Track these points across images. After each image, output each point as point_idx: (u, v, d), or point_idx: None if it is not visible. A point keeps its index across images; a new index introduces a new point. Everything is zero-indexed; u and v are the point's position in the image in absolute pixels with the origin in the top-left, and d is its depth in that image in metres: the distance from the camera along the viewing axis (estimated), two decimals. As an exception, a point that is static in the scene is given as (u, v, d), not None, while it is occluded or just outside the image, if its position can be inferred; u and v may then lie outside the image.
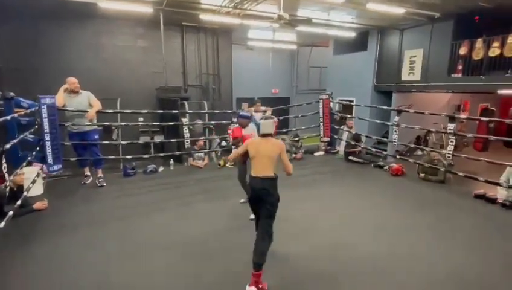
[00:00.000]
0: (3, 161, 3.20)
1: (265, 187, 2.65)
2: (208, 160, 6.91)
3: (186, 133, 6.10)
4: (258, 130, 3.34)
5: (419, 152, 7.82)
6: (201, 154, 6.75)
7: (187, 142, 6.11)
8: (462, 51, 7.11)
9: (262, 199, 2.65)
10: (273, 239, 2.77)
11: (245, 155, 2.90)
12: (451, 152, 5.30)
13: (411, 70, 8.52)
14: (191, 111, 7.03)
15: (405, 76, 8.65)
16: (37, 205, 4.10)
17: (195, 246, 3.32)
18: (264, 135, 2.85)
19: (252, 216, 3.09)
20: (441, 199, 4.85)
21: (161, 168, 6.15)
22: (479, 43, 6.81)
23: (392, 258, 3.12)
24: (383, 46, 9.32)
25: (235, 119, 7.99)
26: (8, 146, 3.39)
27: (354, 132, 7.17)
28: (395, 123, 6.15)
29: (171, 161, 6.43)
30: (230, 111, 8.48)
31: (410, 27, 8.36)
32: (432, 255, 3.18)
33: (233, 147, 4.37)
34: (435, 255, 3.17)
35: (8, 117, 3.59)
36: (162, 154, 6.41)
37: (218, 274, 2.84)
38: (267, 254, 2.55)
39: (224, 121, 6.97)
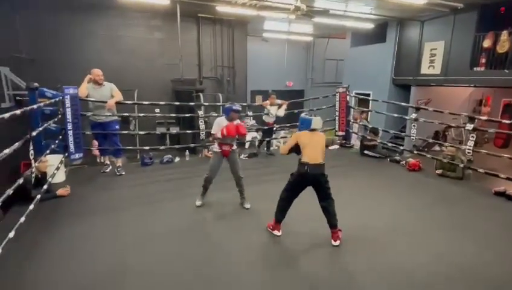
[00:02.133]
0: (31, 148, 3.37)
1: (322, 172, 3.21)
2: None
3: (202, 125, 6.19)
4: (303, 123, 3.34)
5: (437, 148, 7.68)
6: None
7: (202, 133, 6.21)
8: (486, 43, 6.90)
9: (319, 181, 3.20)
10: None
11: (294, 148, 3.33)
12: (471, 148, 5.20)
13: (431, 63, 8.32)
14: (206, 103, 7.12)
15: (425, 69, 8.46)
16: (60, 191, 4.30)
17: (211, 233, 3.42)
18: (314, 129, 3.29)
19: (198, 203, 4.01)
20: (459, 195, 4.78)
21: (177, 159, 6.29)
22: (504, 35, 6.58)
23: (407, 255, 3.12)
24: (402, 38, 9.12)
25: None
26: (34, 133, 3.56)
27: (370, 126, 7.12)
28: (413, 118, 6.06)
29: (187, 152, 6.56)
30: (245, 104, 8.55)
31: (431, 18, 8.14)
32: (449, 251, 3.18)
33: (211, 146, 4.08)
34: (452, 252, 3.17)
35: (35, 106, 3.75)
36: (177, 146, 6.55)
37: (230, 260, 2.93)
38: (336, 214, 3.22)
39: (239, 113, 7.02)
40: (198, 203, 4.08)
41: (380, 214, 4.02)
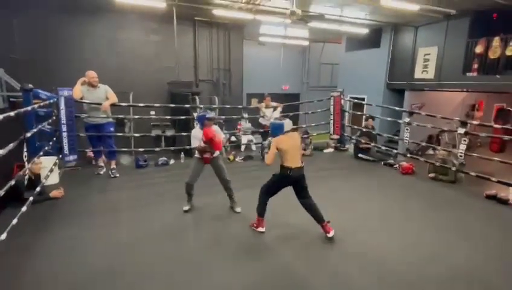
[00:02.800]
0: (25, 149, 3.36)
1: (302, 173, 3.37)
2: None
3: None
4: (276, 129, 3.39)
5: (431, 151, 7.76)
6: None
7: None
8: (478, 49, 7.00)
9: (300, 182, 3.38)
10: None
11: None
12: (463, 151, 5.27)
13: (425, 68, 8.42)
14: (202, 106, 7.13)
15: (418, 74, 8.55)
16: (54, 193, 4.28)
17: (208, 236, 3.43)
18: (287, 131, 3.40)
19: (186, 208, 4.02)
20: (451, 198, 4.84)
21: (172, 161, 6.29)
22: (496, 41, 6.69)
23: (399, 258, 3.16)
24: (396, 43, 9.22)
25: (244, 115, 8.09)
26: (28, 134, 3.55)
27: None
28: (407, 122, 6.13)
29: (182, 154, 6.56)
30: (240, 106, 8.58)
31: (424, 24, 8.25)
32: (441, 253, 3.22)
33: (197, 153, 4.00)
34: (444, 253, 3.21)
35: (29, 108, 3.74)
36: (172, 148, 6.55)
37: (229, 261, 2.94)
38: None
39: (234, 116, 7.05)
40: (185, 208, 4.06)
41: (372, 216, 4.05)
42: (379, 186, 5.29)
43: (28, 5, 6.93)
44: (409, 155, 6.38)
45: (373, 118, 7.35)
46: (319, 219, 3.40)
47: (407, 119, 6.17)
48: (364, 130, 7.19)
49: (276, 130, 3.41)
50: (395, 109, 7.15)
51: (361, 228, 3.73)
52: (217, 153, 3.95)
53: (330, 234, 3.35)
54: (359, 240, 3.43)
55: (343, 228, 3.58)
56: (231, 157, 6.75)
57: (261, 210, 3.53)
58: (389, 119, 7.05)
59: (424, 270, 2.90)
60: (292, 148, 3.32)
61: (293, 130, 3.58)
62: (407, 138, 6.21)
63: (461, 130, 5.26)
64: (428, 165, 5.89)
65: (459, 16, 7.26)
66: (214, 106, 8.12)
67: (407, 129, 6.19)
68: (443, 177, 5.58)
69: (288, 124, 3.45)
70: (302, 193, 3.43)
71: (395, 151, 7.22)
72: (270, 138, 3.45)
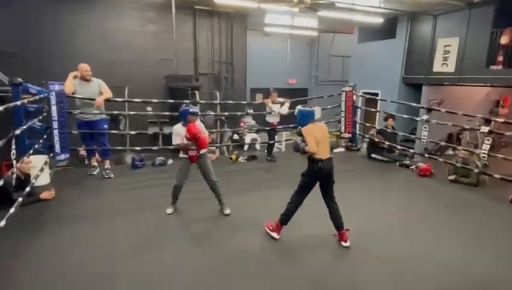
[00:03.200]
0: (13, 147, 3.39)
1: (333, 165, 3.35)
2: (218, 154, 7.03)
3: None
4: (305, 117, 3.38)
5: (451, 152, 7.71)
6: (212, 148, 6.87)
7: (198, 134, 6.23)
8: (504, 40, 6.92)
9: (329, 175, 3.34)
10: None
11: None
12: (486, 152, 5.22)
13: (444, 61, 8.35)
14: (202, 101, 7.15)
15: (437, 67, 8.49)
16: (44, 195, 4.32)
17: (202, 240, 3.44)
18: (315, 120, 3.39)
19: (169, 211, 4.05)
20: (473, 202, 4.80)
21: (170, 161, 6.31)
22: (523, 31, 6.62)
23: (415, 263, 3.14)
24: (413, 34, 9.16)
25: (248, 111, 8.08)
26: (18, 132, 3.58)
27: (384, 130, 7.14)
28: (425, 119, 6.09)
29: (181, 154, 6.57)
30: (244, 102, 8.59)
31: (445, 13, 8.18)
32: (460, 261, 3.20)
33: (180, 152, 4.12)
34: (463, 262, 3.19)
35: (18, 103, 3.78)
36: (171, 147, 6.55)
37: (224, 267, 2.95)
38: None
39: (238, 113, 7.05)
40: (169, 211, 4.08)
41: (387, 222, 4.04)
42: (394, 189, 5.26)
43: (17, -7, 6.99)
44: (426, 155, 6.33)
45: (393, 117, 7.25)
46: (338, 224, 3.39)
47: (425, 117, 6.13)
48: (378, 128, 7.15)
49: (305, 117, 3.37)
50: (411, 105, 7.10)
51: (376, 234, 3.71)
52: (203, 151, 3.94)
53: (346, 244, 3.35)
54: (373, 246, 3.42)
55: (356, 233, 3.56)
56: (233, 157, 6.76)
57: (285, 218, 3.44)
58: (405, 116, 7.00)
59: (442, 281, 2.88)
60: (323, 137, 3.33)
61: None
62: (425, 137, 6.17)
63: (484, 129, 5.21)
64: (448, 167, 5.84)
65: (482, 3, 7.18)
66: (215, 102, 8.15)
67: (425, 127, 6.15)
68: (464, 179, 5.53)
69: (318, 111, 3.43)
70: (329, 190, 3.40)
71: (411, 151, 7.18)
72: (299, 127, 3.39)
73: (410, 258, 3.24)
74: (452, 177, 5.67)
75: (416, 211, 4.42)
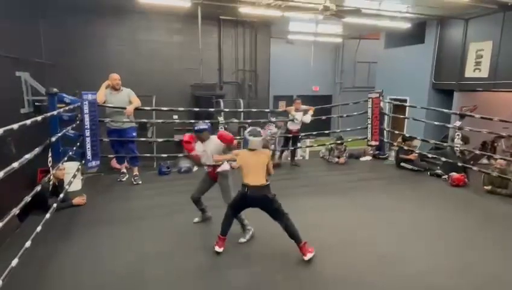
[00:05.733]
0: (49, 154, 3.56)
1: (264, 193, 3.21)
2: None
3: (222, 133, 6.28)
4: (244, 143, 3.36)
5: (485, 160, 7.35)
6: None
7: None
8: (542, 43, 6.58)
9: (264, 202, 3.24)
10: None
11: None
12: (526, 161, 4.93)
13: (477, 65, 8.04)
14: (227, 109, 7.23)
15: (469, 72, 8.17)
16: (76, 201, 4.48)
17: (229, 249, 3.44)
18: (252, 149, 3.32)
19: (196, 220, 4.05)
20: (511, 215, 4.54)
21: (195, 168, 6.39)
22: None
23: (450, 286, 2.98)
24: (443, 38, 8.89)
25: (272, 121, 8.09)
26: (53, 139, 3.76)
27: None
28: (458, 126, 5.86)
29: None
30: (267, 110, 8.61)
31: (476, 16, 7.89)
32: (496, 280, 3.01)
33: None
34: (500, 281, 3.00)
35: (55, 112, 3.97)
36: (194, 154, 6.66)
37: (250, 275, 2.93)
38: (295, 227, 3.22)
39: (261, 120, 7.07)
40: (195, 220, 4.07)
41: (419, 235, 3.87)
42: (425, 200, 5.06)
43: (54, 8, 7.41)
44: (460, 164, 6.06)
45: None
46: (294, 240, 3.21)
47: (458, 123, 5.89)
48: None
49: (244, 143, 3.36)
50: (443, 111, 6.85)
51: (406, 248, 3.56)
52: (223, 168, 3.68)
53: (307, 257, 3.16)
54: (403, 262, 3.28)
55: (385, 248, 3.45)
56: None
57: (224, 228, 3.38)
58: (436, 123, 6.77)
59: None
60: (253, 163, 3.26)
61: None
62: (458, 145, 5.91)
63: (523, 136, 4.93)
64: (483, 176, 5.57)
65: (518, 5, 6.88)
66: (239, 110, 8.22)
67: (457, 135, 5.90)
68: (501, 190, 5.24)
69: (255, 142, 3.29)
70: (271, 215, 3.28)
71: (443, 159, 6.89)
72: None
73: (443, 275, 3.09)
74: (488, 187, 5.39)
75: (448, 223, 4.22)
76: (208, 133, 3.79)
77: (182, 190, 5.26)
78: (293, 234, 3.20)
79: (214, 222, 4.10)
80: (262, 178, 3.23)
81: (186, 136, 3.68)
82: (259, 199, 3.23)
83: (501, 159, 5.53)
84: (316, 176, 6.20)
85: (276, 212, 3.25)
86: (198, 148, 3.78)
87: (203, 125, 3.78)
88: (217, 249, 3.31)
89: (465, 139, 6.45)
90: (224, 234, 3.35)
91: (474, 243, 3.70)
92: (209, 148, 3.74)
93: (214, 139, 3.76)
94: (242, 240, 3.59)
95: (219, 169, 3.69)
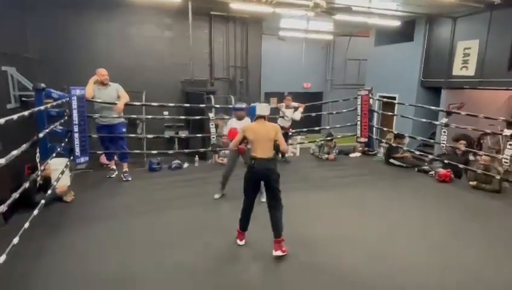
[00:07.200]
0: (37, 150, 3.52)
1: (269, 167, 3.26)
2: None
3: (212, 129, 6.28)
4: (251, 113, 3.68)
5: (471, 157, 7.51)
6: (227, 151, 6.92)
7: (213, 138, 6.30)
8: (527, 42, 6.74)
9: (268, 177, 3.27)
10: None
11: (242, 141, 3.55)
12: (508, 157, 5.06)
13: (464, 64, 8.19)
14: (218, 106, 7.23)
15: (457, 70, 8.33)
16: (61, 190, 4.44)
17: (219, 243, 3.46)
18: (259, 117, 3.43)
19: (217, 196, 4.50)
20: (495, 209, 4.66)
21: (186, 165, 6.39)
22: (548, 33, 6.43)
23: (437, 280, 3.06)
24: (431, 37, 9.02)
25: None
26: (41, 135, 3.71)
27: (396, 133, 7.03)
28: (444, 123, 5.97)
29: (196, 158, 6.66)
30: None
31: (464, 15, 8.04)
32: (482, 270, 3.11)
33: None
34: (485, 271, 3.10)
35: (42, 107, 3.92)
36: (186, 150, 6.66)
37: (241, 270, 2.97)
38: (282, 220, 3.23)
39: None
40: (216, 196, 4.55)
41: (406, 230, 3.96)
42: (413, 195, 5.16)
43: (41, 4, 7.27)
44: (446, 161, 6.18)
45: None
46: (275, 231, 3.21)
47: (444, 120, 6.00)
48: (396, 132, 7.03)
49: (250, 113, 3.71)
50: (430, 108, 6.97)
51: (394, 243, 3.64)
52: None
53: (276, 253, 3.13)
54: (391, 256, 3.36)
55: (374, 243, 3.52)
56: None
57: (242, 222, 3.46)
58: (423, 120, 6.89)
59: (459, 285, 2.81)
60: (260, 135, 3.34)
61: (263, 118, 3.49)
62: (445, 141, 6.03)
63: (507, 132, 5.06)
64: (468, 173, 5.70)
65: (504, 5, 7.02)
66: (230, 106, 8.21)
67: (444, 132, 6.02)
68: (486, 186, 5.37)
69: (261, 107, 3.50)
70: (269, 192, 3.35)
71: (430, 156, 7.03)
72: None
73: (430, 268, 3.17)
74: (473, 183, 5.51)
75: (435, 218, 4.32)
76: (245, 113, 4.39)
77: (172, 186, 5.29)
78: (277, 225, 3.21)
79: (205, 216, 4.14)
80: (269, 152, 3.30)
81: (233, 131, 4.12)
82: (265, 170, 3.26)
83: (485, 155, 5.65)
84: (306, 172, 6.25)
85: (275, 192, 3.28)
86: (236, 125, 4.30)
87: (242, 104, 4.49)
88: (239, 242, 3.42)
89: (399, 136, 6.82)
90: (245, 230, 3.43)
91: (459, 237, 3.79)
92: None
93: (247, 120, 4.34)
94: (216, 196, 4.44)
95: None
